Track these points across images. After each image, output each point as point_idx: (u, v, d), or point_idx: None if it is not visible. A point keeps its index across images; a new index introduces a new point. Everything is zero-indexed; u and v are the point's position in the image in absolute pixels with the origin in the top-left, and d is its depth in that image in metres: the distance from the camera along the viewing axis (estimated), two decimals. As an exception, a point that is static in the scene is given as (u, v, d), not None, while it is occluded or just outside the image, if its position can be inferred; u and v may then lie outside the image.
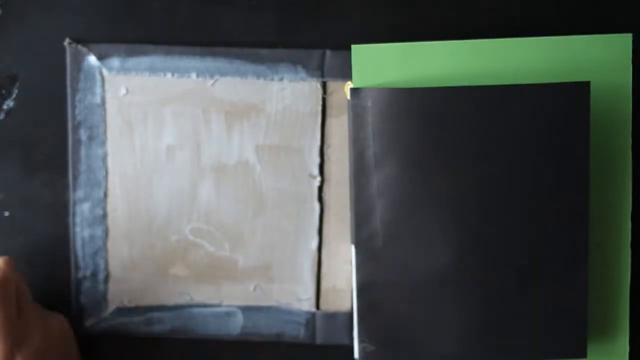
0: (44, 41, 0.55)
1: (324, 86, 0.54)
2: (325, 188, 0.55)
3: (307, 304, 0.57)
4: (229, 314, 0.57)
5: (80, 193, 0.56)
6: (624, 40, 0.51)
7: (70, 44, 0.54)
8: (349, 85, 0.52)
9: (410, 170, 0.51)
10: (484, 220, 0.51)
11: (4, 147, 0.56)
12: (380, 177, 0.51)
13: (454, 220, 0.51)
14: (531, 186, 0.51)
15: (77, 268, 0.57)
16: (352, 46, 0.52)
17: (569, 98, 0.50)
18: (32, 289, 0.57)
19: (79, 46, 0.54)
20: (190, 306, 0.57)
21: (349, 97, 0.51)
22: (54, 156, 0.56)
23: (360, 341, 0.53)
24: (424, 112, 0.50)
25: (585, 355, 0.52)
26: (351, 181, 0.52)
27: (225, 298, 0.57)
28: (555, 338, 0.52)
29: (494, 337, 0.52)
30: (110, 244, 0.56)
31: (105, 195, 0.56)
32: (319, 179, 0.55)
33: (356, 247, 0.52)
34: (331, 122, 0.55)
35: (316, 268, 0.56)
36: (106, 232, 0.56)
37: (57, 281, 0.57)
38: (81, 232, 0.56)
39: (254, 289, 0.57)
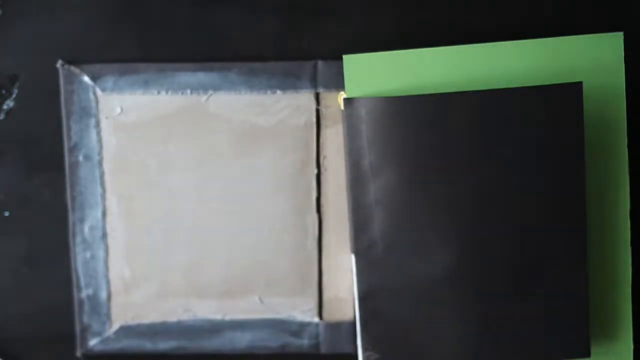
0: (44, 41, 0.55)
1: (317, 97, 0.54)
2: (323, 199, 0.55)
3: (310, 315, 0.57)
4: (233, 328, 0.57)
5: (79, 213, 0.56)
6: (616, 39, 0.51)
7: (62, 65, 0.54)
8: (342, 95, 0.52)
9: (406, 178, 0.51)
10: (482, 224, 0.51)
11: (4, 147, 0.56)
12: (377, 186, 0.51)
13: (452, 225, 0.51)
14: (528, 189, 0.51)
15: (79, 288, 0.57)
16: (344, 56, 0.52)
17: (562, 99, 0.50)
18: (33, 293, 0.57)
19: (72, 67, 0.54)
20: (194, 322, 0.57)
21: (342, 107, 0.51)
22: (53, 156, 0.56)
23: (364, 350, 0.53)
24: (417, 120, 0.50)
25: (588, 355, 0.52)
26: (348, 191, 0.52)
27: (228, 312, 0.57)
28: (558, 338, 0.52)
29: (497, 339, 0.52)
30: (111, 263, 0.56)
31: (104, 214, 0.56)
32: (315, 190, 0.56)
33: (356, 256, 0.52)
34: (326, 132, 0.55)
35: (317, 278, 0.56)
36: (106, 252, 0.56)
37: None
38: (82, 252, 0.56)
39: (257, 302, 0.57)
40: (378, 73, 0.52)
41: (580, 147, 0.50)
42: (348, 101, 0.51)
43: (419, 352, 0.52)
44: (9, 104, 0.55)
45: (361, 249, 0.52)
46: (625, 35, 0.52)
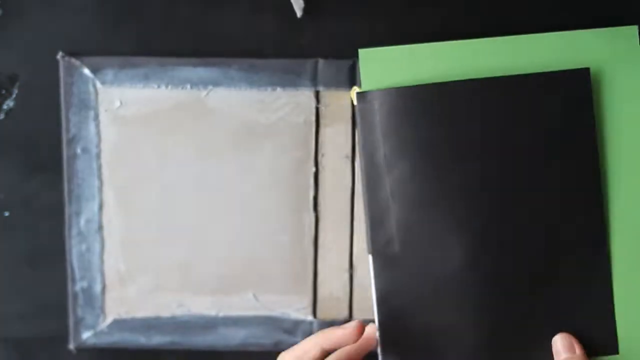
0: (44, 41, 0.55)
1: (317, 95, 0.54)
2: (320, 197, 0.55)
3: (304, 313, 0.57)
4: (226, 325, 0.57)
5: (75, 206, 0.56)
6: (630, 32, 0.51)
7: (63, 57, 0.54)
8: (355, 90, 0.52)
9: (421, 170, 0.51)
10: (497, 215, 0.50)
11: (4, 147, 0.56)
12: (392, 179, 0.51)
13: (468, 217, 0.50)
14: (542, 178, 0.50)
15: (74, 280, 0.57)
16: (360, 50, 0.51)
17: (570, 85, 0.50)
18: (32, 292, 0.57)
19: (72, 59, 0.54)
20: (188, 317, 0.57)
21: (355, 101, 0.51)
22: (53, 156, 0.56)
23: (385, 354, 0.51)
24: (429, 109, 0.50)
25: (617, 351, 0.51)
26: (363, 186, 0.51)
27: (222, 309, 0.57)
28: (584, 335, 0.51)
29: (520, 337, 0.51)
30: (106, 256, 0.56)
31: (101, 207, 0.56)
32: (313, 187, 0.56)
33: (373, 256, 0.51)
34: (325, 131, 0.55)
35: (312, 277, 0.56)
36: (102, 245, 0.56)
37: (54, 293, 0.57)
38: (77, 244, 0.56)
39: (251, 299, 0.57)
40: (394, 67, 0.51)
41: (590, 133, 0.50)
42: (361, 95, 0.51)
43: (439, 352, 0.51)
44: (9, 104, 0.55)
45: (378, 247, 0.51)
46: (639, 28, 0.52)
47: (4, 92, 0.55)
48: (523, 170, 0.50)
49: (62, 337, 0.57)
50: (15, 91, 0.55)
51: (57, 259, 0.57)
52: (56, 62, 0.55)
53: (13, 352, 0.58)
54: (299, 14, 0.53)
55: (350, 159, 0.55)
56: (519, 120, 0.50)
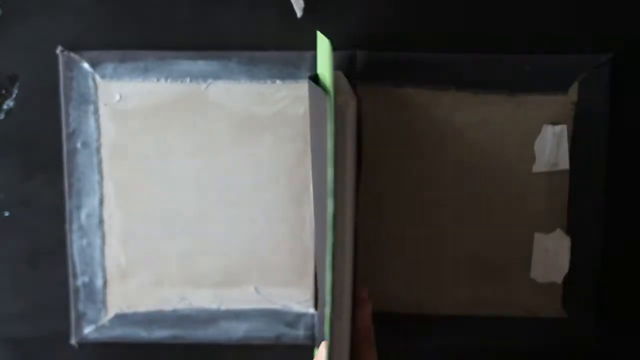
0: (44, 41, 0.55)
1: (317, 87, 0.54)
2: (321, 189, 0.55)
3: (306, 305, 0.57)
4: (228, 318, 0.57)
5: (76, 200, 0.56)
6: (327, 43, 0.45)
7: (62, 51, 0.54)
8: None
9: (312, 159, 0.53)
10: (319, 213, 0.50)
11: (4, 147, 0.56)
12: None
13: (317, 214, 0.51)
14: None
15: (75, 275, 0.56)
16: (318, 32, 0.50)
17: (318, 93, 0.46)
18: (32, 291, 0.57)
19: (72, 53, 0.54)
20: (189, 311, 0.57)
21: None
22: (53, 156, 0.56)
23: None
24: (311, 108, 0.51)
25: None
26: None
27: (224, 302, 0.57)
28: None
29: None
30: (107, 251, 0.56)
31: (101, 202, 0.56)
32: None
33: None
34: (325, 122, 0.55)
35: (314, 269, 0.56)
36: (103, 239, 0.56)
37: (55, 288, 0.57)
38: (78, 239, 0.56)
39: (253, 293, 0.57)
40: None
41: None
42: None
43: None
44: (9, 104, 0.55)
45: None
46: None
47: (4, 92, 0.55)
48: (321, 175, 0.46)
49: (64, 333, 0.57)
50: (15, 91, 0.55)
51: (57, 256, 0.57)
52: (56, 60, 0.55)
53: (13, 352, 0.58)
54: (299, 14, 0.53)
55: (350, 150, 0.55)
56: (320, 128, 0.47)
